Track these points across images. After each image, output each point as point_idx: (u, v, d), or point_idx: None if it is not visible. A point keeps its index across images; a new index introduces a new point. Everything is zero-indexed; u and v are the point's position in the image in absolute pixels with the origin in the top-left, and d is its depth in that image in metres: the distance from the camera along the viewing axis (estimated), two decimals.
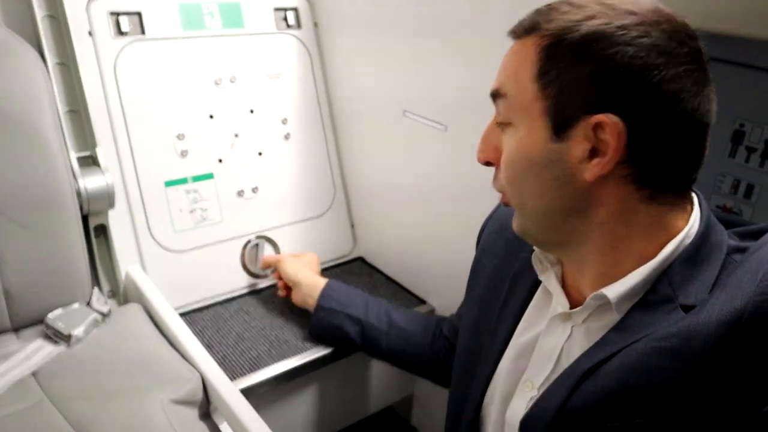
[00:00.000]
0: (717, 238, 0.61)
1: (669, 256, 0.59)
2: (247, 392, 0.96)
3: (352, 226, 1.43)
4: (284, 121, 1.33)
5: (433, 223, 1.23)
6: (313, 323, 1.10)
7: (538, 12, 0.60)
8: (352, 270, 1.38)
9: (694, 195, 0.63)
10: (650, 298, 0.59)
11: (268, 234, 1.30)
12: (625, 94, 0.55)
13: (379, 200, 1.36)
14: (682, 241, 0.59)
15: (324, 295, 1.09)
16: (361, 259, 1.43)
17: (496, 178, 0.66)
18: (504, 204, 0.67)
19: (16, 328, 0.98)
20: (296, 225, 1.34)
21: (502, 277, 0.77)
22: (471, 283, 0.86)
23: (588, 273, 0.64)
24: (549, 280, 0.69)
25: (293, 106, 1.34)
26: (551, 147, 0.59)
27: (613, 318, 0.60)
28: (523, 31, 0.61)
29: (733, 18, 0.71)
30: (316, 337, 1.11)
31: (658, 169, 0.58)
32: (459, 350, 0.83)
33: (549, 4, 0.60)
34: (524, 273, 0.74)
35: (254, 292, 1.27)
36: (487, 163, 0.66)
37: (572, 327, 0.65)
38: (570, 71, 0.57)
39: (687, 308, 0.56)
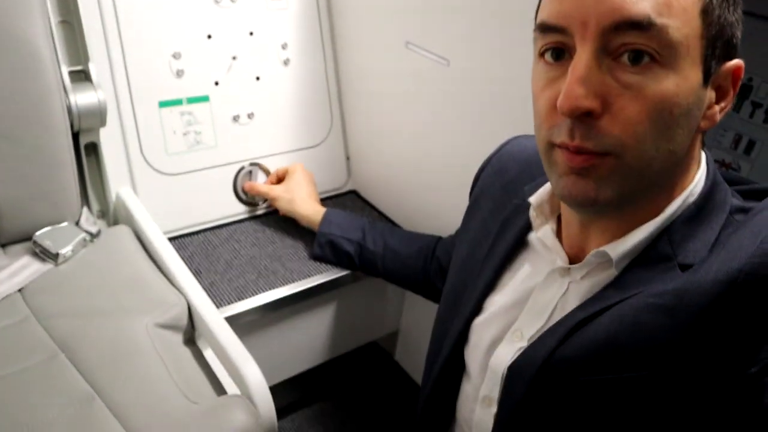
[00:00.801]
0: (721, 197, 0.59)
1: (672, 214, 0.58)
2: (232, 320, 0.97)
3: (348, 158, 1.41)
4: (284, 46, 1.28)
5: (429, 160, 1.21)
6: (315, 248, 1.17)
7: None
8: (344, 203, 1.37)
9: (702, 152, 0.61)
10: (649, 255, 0.58)
11: (262, 161, 1.29)
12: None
13: (376, 134, 1.34)
14: (685, 200, 0.58)
15: (324, 221, 1.16)
16: (354, 193, 1.42)
17: (589, 134, 0.52)
18: (585, 166, 0.54)
19: (4, 244, 0.98)
20: (291, 154, 1.32)
21: (494, 220, 0.76)
22: (466, 220, 0.84)
23: (595, 228, 0.62)
24: (546, 235, 0.67)
25: (294, 31, 1.29)
26: (700, 93, 0.53)
27: (610, 274, 0.60)
28: None
29: None
30: (317, 257, 1.17)
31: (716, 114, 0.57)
32: (445, 288, 0.83)
33: None
34: (513, 220, 0.72)
35: (245, 220, 1.27)
36: (584, 114, 0.52)
37: (569, 283, 0.64)
38: (728, 12, 0.53)
39: (685, 267, 0.55)
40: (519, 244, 0.72)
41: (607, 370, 0.55)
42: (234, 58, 1.22)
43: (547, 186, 0.68)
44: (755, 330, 0.49)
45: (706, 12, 0.51)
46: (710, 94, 0.55)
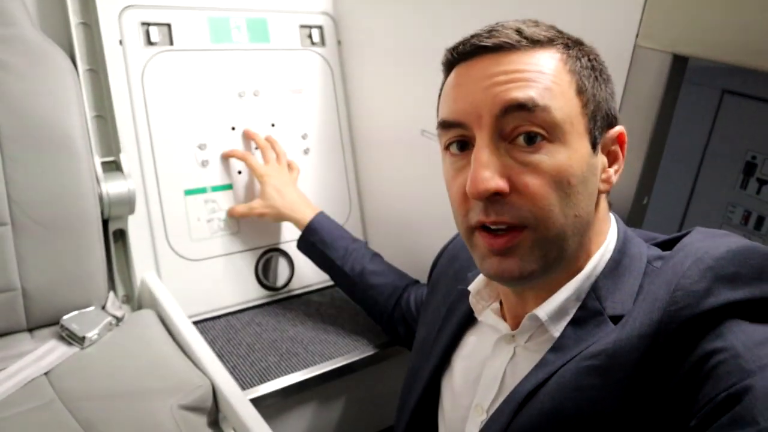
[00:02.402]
0: (635, 249, 0.63)
1: (593, 270, 0.61)
2: (255, 402, 0.95)
3: (366, 242, 1.43)
4: (304, 136, 1.34)
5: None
6: (299, 246, 1.20)
7: (532, 24, 0.61)
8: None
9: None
10: (581, 315, 0.60)
11: (283, 247, 1.31)
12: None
13: (394, 219, 1.37)
14: (602, 256, 0.62)
15: (309, 229, 1.17)
16: None
17: (503, 209, 0.57)
18: (506, 247, 0.57)
19: (32, 328, 0.99)
20: None
21: (444, 304, 0.81)
22: (426, 304, 0.90)
23: (528, 294, 0.65)
24: (487, 317, 0.71)
25: (314, 121, 1.36)
26: (591, 161, 0.59)
27: (550, 337, 0.62)
28: (535, 42, 0.58)
29: (747, 51, 0.71)
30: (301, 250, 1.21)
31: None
32: (408, 368, 0.86)
33: (514, 25, 0.60)
34: (457, 305, 0.77)
35: (266, 305, 1.28)
36: (494, 195, 0.56)
37: (515, 348, 0.66)
38: (599, 89, 0.60)
39: (615, 319, 0.58)
40: (465, 325, 0.76)
41: None
42: (256, 148, 1.28)
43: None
44: (684, 380, 0.49)
45: (581, 92, 0.58)
46: (602, 160, 0.61)
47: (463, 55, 0.61)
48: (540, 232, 0.57)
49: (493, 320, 0.69)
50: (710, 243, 0.55)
